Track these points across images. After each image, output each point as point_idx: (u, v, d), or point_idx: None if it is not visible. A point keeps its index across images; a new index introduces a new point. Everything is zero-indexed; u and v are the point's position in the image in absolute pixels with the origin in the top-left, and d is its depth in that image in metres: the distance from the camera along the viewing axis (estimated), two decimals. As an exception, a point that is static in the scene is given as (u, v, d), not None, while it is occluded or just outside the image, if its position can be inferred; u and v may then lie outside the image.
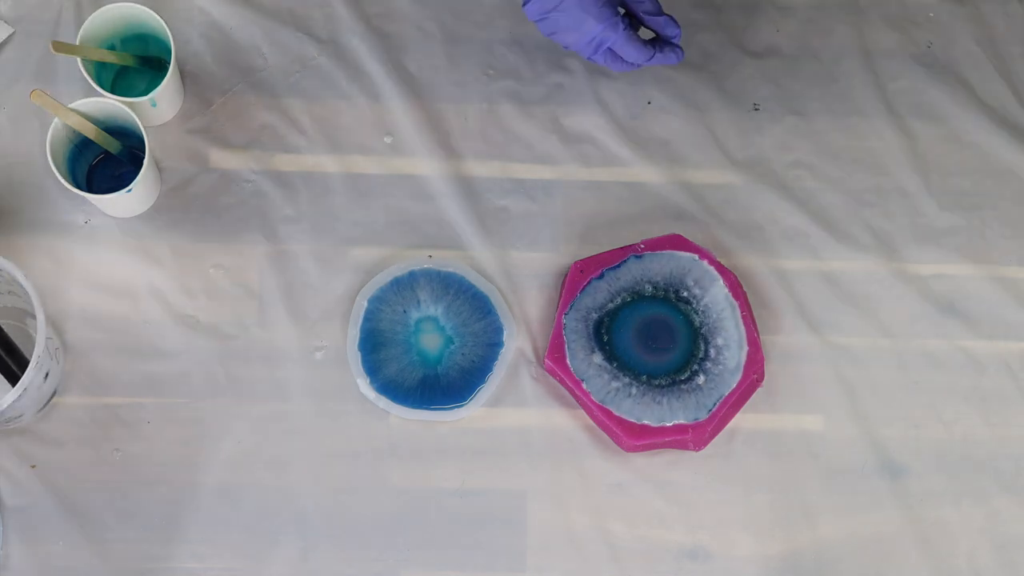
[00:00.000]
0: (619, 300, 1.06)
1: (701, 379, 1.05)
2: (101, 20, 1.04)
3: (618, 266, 1.07)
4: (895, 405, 1.08)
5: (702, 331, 1.06)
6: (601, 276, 1.07)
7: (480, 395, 1.06)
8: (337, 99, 1.12)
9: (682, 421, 1.03)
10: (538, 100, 1.13)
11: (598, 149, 1.12)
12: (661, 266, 1.07)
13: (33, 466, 1.04)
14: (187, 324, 1.07)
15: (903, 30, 1.16)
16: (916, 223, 1.12)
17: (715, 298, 1.06)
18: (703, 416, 1.04)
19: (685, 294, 1.06)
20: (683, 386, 1.05)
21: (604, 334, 1.06)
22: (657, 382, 1.05)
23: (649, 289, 1.06)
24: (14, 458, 1.03)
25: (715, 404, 1.04)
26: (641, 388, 1.04)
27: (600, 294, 1.06)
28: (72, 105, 1.00)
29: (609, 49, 1.03)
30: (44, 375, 0.99)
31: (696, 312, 1.06)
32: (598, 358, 1.05)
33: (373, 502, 1.04)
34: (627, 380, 1.04)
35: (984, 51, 1.15)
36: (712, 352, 1.05)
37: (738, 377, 1.04)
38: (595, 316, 1.06)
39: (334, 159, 1.10)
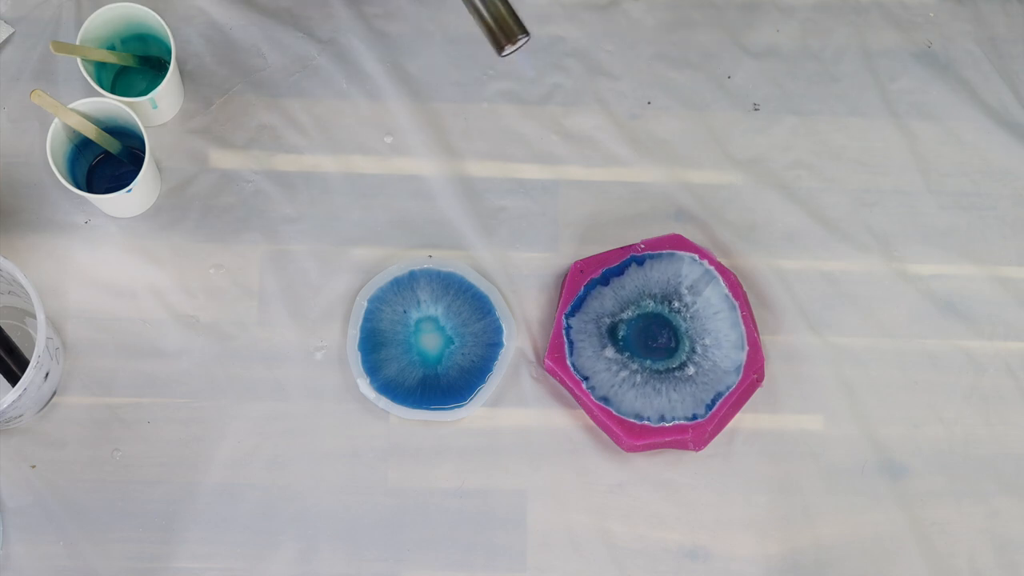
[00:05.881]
0: (630, 311, 1.06)
1: (691, 370, 1.05)
2: (101, 20, 1.04)
3: (620, 273, 1.07)
4: (895, 405, 1.08)
5: (689, 334, 1.06)
6: (607, 282, 1.07)
7: (480, 395, 1.06)
8: (337, 99, 1.12)
9: (681, 420, 1.04)
10: (538, 100, 1.13)
11: (598, 149, 1.12)
12: (660, 273, 1.07)
13: (33, 466, 1.04)
14: (187, 324, 1.07)
15: (903, 30, 1.16)
16: (916, 223, 1.12)
17: (708, 300, 1.06)
18: (702, 414, 1.04)
19: (677, 303, 1.07)
20: (676, 373, 1.05)
21: (617, 331, 1.06)
22: (656, 367, 1.05)
23: (651, 305, 1.07)
24: (14, 458, 1.04)
25: (714, 402, 1.04)
26: (644, 376, 1.05)
27: (607, 300, 1.06)
28: (72, 105, 1.00)
29: None
30: (44, 375, 0.99)
31: (684, 319, 1.06)
32: (610, 352, 1.05)
33: (373, 502, 1.05)
34: (634, 368, 1.05)
35: (984, 51, 1.15)
36: (699, 349, 1.06)
37: (738, 377, 1.05)
38: (607, 321, 1.06)
39: (334, 159, 1.10)
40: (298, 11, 1.13)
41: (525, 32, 0.97)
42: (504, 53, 0.97)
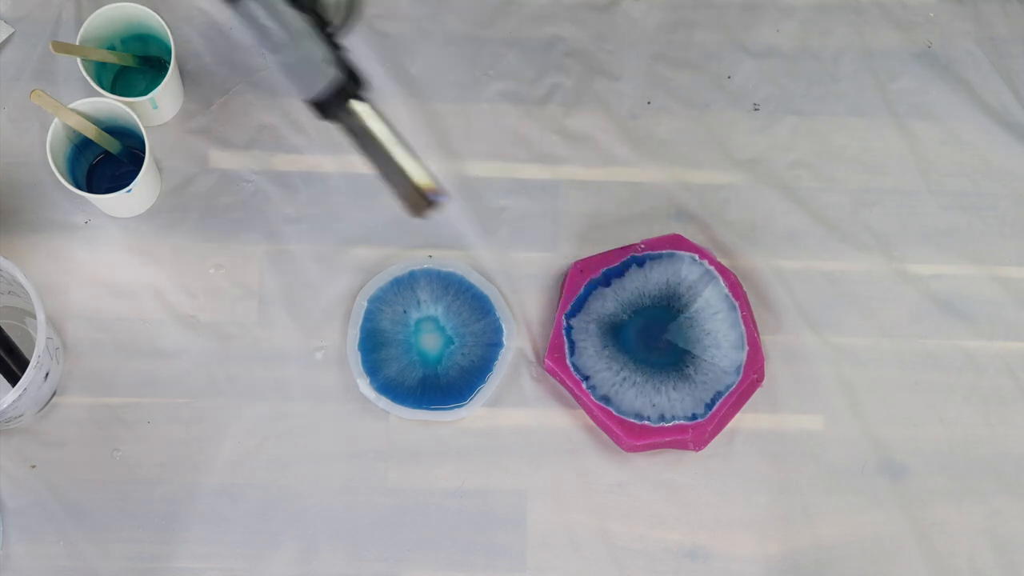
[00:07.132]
0: (630, 311, 1.07)
1: (691, 369, 1.05)
2: (101, 20, 1.04)
3: (620, 273, 1.07)
4: (895, 405, 1.08)
5: (688, 334, 1.06)
6: (607, 282, 1.07)
7: (480, 395, 1.06)
8: (337, 99, 1.11)
9: (681, 419, 1.04)
10: (538, 100, 1.13)
11: (598, 149, 1.12)
12: (660, 273, 1.07)
13: (33, 466, 1.04)
14: (187, 324, 1.07)
15: (903, 30, 1.16)
16: (916, 223, 1.12)
17: (708, 300, 1.06)
18: (702, 413, 1.04)
19: (677, 303, 1.07)
20: (676, 373, 1.05)
21: (618, 331, 1.06)
22: (656, 367, 1.05)
23: (651, 305, 1.07)
24: (14, 458, 1.04)
25: (714, 402, 1.04)
26: (644, 376, 1.05)
27: (607, 300, 1.06)
28: (72, 105, 1.00)
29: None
30: (44, 375, 0.99)
31: (684, 319, 1.06)
32: (610, 352, 1.05)
33: (373, 502, 1.04)
34: (634, 367, 1.05)
35: (984, 51, 1.15)
36: (699, 349, 1.06)
37: (738, 377, 1.05)
38: (608, 321, 1.06)
39: (334, 159, 1.10)
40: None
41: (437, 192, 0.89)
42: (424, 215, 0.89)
